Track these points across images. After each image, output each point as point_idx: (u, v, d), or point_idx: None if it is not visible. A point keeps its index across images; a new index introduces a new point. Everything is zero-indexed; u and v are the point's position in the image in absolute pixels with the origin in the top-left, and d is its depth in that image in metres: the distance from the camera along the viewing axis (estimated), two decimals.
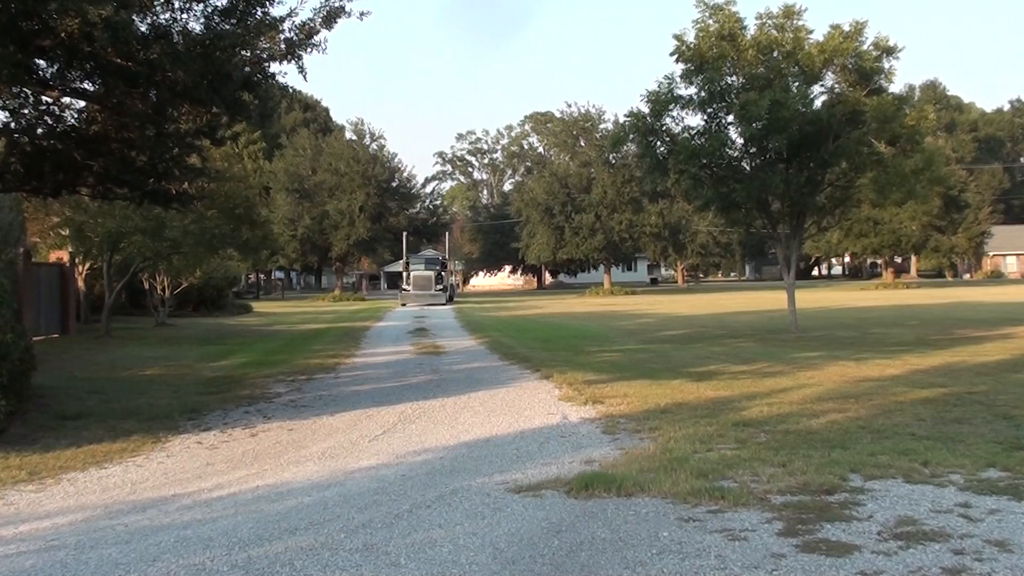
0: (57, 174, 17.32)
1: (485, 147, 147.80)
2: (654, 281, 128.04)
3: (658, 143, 28.34)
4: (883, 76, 27.66)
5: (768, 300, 53.63)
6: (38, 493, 9.93)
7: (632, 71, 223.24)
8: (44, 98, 16.08)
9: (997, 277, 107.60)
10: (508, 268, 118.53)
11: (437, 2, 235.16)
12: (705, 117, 27.92)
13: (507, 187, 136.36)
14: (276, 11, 15.25)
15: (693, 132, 27.98)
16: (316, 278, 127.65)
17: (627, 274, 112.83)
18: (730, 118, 27.63)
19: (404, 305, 64.84)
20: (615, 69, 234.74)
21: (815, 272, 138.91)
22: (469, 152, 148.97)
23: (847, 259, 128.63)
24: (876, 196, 29.46)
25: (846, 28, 27.24)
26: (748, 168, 28.25)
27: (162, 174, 17.97)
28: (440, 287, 69.27)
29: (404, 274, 72.15)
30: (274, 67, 15.85)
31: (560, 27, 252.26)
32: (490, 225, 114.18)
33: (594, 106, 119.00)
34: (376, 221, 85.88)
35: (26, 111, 16.21)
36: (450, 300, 70.68)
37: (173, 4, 14.47)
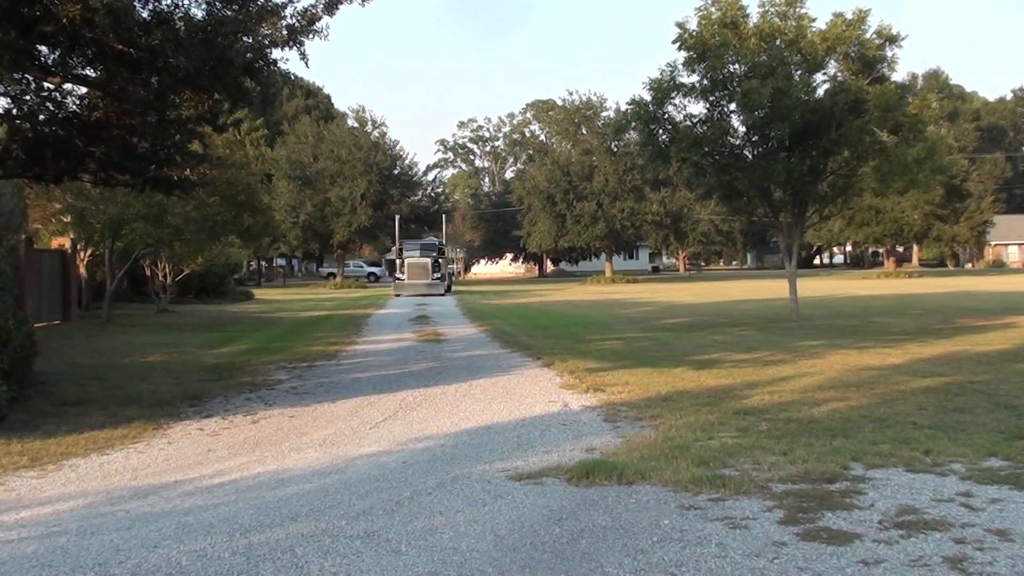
0: (59, 160, 17.31)
1: (487, 135, 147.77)
2: (656, 269, 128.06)
3: (660, 131, 28.33)
4: (886, 65, 27.63)
5: (770, 288, 53.63)
6: (39, 479, 9.94)
7: (634, 59, 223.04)
8: (46, 84, 16.08)
9: (999, 266, 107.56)
10: (510, 256, 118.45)
11: None
12: (707, 105, 27.90)
13: (509, 175, 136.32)
14: None
15: (695, 120, 27.97)
16: (317, 265, 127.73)
17: (629, 262, 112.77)
18: (732, 106, 27.60)
19: (398, 295, 59.29)
20: (617, 57, 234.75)
21: (817, 261, 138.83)
22: (471, 140, 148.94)
23: (849, 248, 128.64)
24: (878, 185, 29.42)
25: (849, 16, 27.20)
26: (750, 156, 28.20)
27: (164, 160, 17.96)
28: (437, 276, 62.73)
29: (397, 261, 66.36)
30: (276, 53, 15.88)
31: (562, 14, 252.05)
32: (492, 213, 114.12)
33: (596, 94, 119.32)
34: (378, 208, 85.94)
35: (28, 97, 16.21)
36: (448, 290, 64.39)
37: None
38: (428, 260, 63.13)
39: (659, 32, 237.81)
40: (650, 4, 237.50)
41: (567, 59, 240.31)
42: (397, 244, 71.32)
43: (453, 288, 69.77)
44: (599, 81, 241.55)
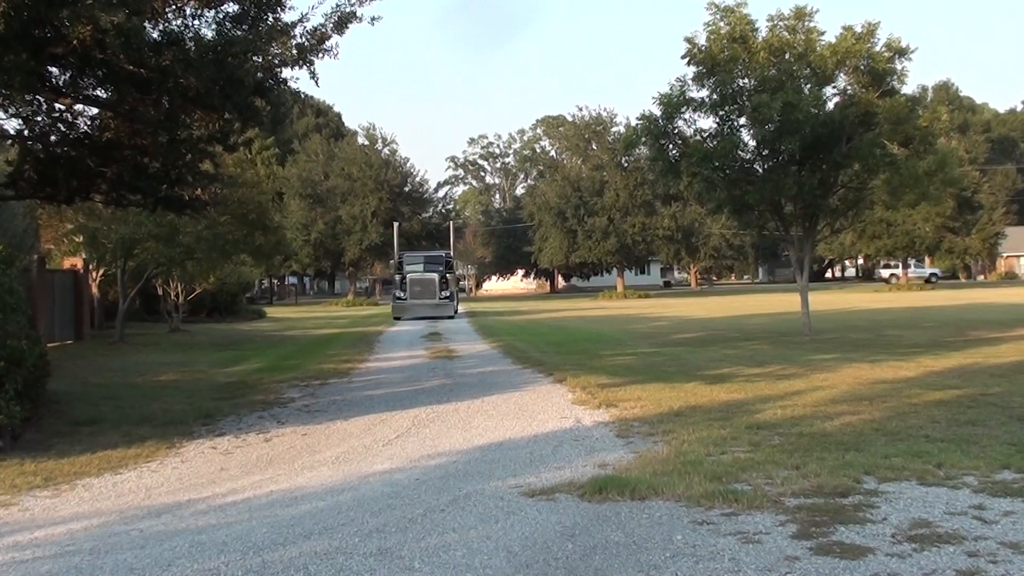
0: (70, 181, 17.40)
1: (497, 151, 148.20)
2: (667, 284, 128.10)
3: (670, 146, 28.28)
4: (895, 77, 27.54)
5: (781, 302, 53.52)
6: (53, 499, 9.96)
7: (644, 74, 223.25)
8: (57, 105, 16.17)
9: (1011, 278, 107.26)
10: (521, 272, 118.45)
11: (444, 5, 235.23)
12: (717, 119, 27.83)
13: (519, 191, 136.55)
14: (287, 16, 15.29)
15: (705, 135, 27.93)
16: (329, 283, 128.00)
17: (640, 277, 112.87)
18: (742, 120, 27.55)
19: (398, 319, 49.88)
20: (627, 72, 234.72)
21: (828, 274, 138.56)
22: (481, 156, 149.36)
23: (860, 261, 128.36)
24: (889, 198, 29.33)
25: (858, 29, 27.12)
26: (761, 170, 28.15)
27: (175, 180, 18.02)
28: (446, 294, 51.24)
29: (397, 277, 53.63)
30: (286, 72, 15.89)
31: (570, 29, 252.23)
32: (503, 229, 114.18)
33: (605, 109, 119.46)
34: (389, 226, 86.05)
35: (39, 118, 16.31)
36: (456, 312, 54.58)
37: (184, 10, 14.52)
38: (434, 276, 51.82)
39: (669, 47, 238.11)
40: (661, 20, 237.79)
41: (577, 75, 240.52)
42: (396, 256, 61.07)
43: (463, 305, 66.10)
44: (609, 96, 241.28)
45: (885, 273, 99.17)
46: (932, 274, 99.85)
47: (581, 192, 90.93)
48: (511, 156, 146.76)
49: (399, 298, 51.55)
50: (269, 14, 15.02)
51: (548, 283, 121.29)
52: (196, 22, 14.74)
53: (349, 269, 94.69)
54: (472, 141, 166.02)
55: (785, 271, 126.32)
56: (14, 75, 12.58)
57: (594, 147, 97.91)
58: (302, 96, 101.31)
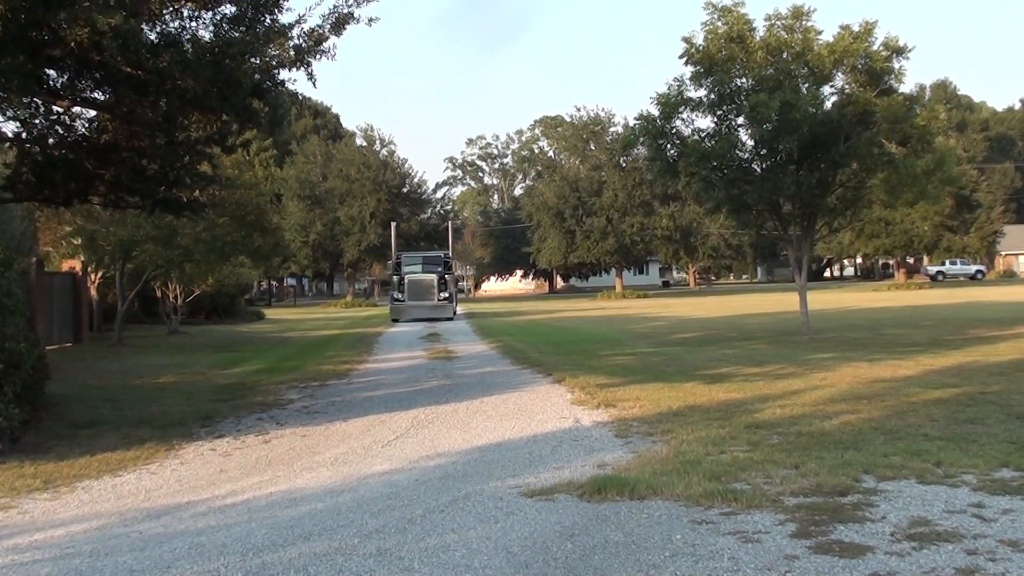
0: (69, 183, 17.39)
1: (495, 152, 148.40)
2: (666, 284, 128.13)
3: (668, 146, 28.23)
4: (893, 76, 27.52)
5: (780, 302, 53.46)
6: (53, 501, 9.96)
7: (643, 74, 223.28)
8: (55, 108, 16.17)
9: (1010, 276, 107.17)
10: (519, 272, 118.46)
11: (442, 5, 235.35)
12: (715, 119, 27.79)
13: (518, 191, 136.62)
14: (285, 18, 15.33)
15: (703, 134, 27.91)
16: (328, 284, 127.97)
17: (639, 277, 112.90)
18: (740, 120, 27.52)
19: (396, 320, 48.82)
20: (626, 72, 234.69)
21: (827, 274, 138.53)
22: (479, 157, 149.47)
23: (859, 260, 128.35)
24: (887, 197, 29.32)
25: (856, 29, 27.10)
26: (759, 170, 28.13)
27: (173, 182, 18.02)
28: (444, 296, 50.16)
29: (395, 278, 52.15)
30: (283, 74, 15.91)
31: (568, 29, 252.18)
32: (501, 230, 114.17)
33: (603, 109, 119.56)
34: (387, 227, 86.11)
35: (37, 121, 16.30)
36: (455, 314, 52.95)
37: (182, 12, 14.52)
38: (433, 276, 50.67)
39: (667, 47, 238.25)
40: (659, 20, 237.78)
41: (575, 74, 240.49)
42: (394, 257, 60.06)
43: (461, 306, 64.95)
44: (608, 96, 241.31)
45: (932, 270, 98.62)
46: (978, 271, 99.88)
47: (579, 192, 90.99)
48: (509, 157, 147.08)
49: (397, 299, 50.51)
50: (266, 16, 15.02)
51: (547, 283, 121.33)
52: (193, 24, 14.74)
53: (348, 270, 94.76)
54: (470, 142, 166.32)
55: (784, 271, 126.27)
56: (12, 78, 12.57)
57: (592, 147, 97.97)
58: (300, 97, 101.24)
